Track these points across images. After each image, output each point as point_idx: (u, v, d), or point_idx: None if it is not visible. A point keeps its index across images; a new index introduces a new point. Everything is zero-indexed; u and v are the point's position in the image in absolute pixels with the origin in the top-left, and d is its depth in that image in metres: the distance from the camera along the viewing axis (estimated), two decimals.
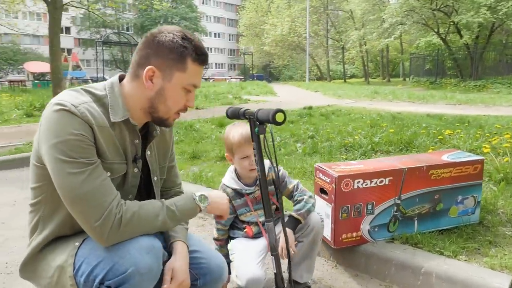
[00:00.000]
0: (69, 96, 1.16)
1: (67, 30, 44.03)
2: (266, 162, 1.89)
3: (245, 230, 1.86)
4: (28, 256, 1.25)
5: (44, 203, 1.21)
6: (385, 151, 4.48)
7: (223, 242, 1.92)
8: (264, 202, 1.28)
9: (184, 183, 3.56)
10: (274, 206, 1.89)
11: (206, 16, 59.14)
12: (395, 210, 2.21)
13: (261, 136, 1.30)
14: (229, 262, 1.82)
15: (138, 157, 1.31)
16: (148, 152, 1.36)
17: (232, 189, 1.85)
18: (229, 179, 1.88)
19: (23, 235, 2.02)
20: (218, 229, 1.91)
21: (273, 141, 1.23)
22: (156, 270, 1.16)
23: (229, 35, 64.80)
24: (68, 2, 10.82)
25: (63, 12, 10.04)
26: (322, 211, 2.19)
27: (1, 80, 29.56)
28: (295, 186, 1.86)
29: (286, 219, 1.78)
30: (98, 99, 1.21)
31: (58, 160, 1.09)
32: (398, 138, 4.73)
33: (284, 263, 1.52)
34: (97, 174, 1.13)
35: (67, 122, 1.10)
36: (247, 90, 18.91)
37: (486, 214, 2.49)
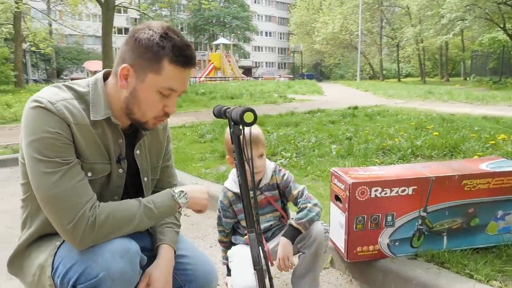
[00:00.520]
0: (48, 93, 1.13)
1: (126, 30, 46.36)
2: (271, 164, 1.76)
3: (245, 237, 1.75)
4: (15, 252, 1.24)
5: (31, 199, 1.19)
6: (427, 155, 4.11)
7: (227, 245, 1.86)
8: (246, 211, 1.15)
9: (206, 181, 3.57)
10: (278, 213, 1.76)
11: (258, 15, 59.51)
12: (419, 223, 1.97)
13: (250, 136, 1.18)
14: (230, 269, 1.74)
15: (122, 157, 1.25)
16: (137, 152, 1.30)
17: (234, 192, 1.75)
18: (230, 182, 1.79)
19: None
20: (219, 231, 1.85)
21: (251, 142, 1.11)
22: (129, 275, 1.10)
23: (280, 33, 64.74)
24: (120, 3, 11.30)
25: (121, 13, 10.51)
26: (337, 220, 2.01)
27: (66, 78, 31.92)
28: (300, 192, 1.71)
29: (286, 228, 1.64)
30: (80, 96, 1.17)
31: (34, 158, 1.06)
32: (443, 142, 4.33)
33: (286, 275, 1.38)
34: (72, 175, 1.08)
35: (42, 120, 1.07)
36: (294, 89, 18.66)
37: None
